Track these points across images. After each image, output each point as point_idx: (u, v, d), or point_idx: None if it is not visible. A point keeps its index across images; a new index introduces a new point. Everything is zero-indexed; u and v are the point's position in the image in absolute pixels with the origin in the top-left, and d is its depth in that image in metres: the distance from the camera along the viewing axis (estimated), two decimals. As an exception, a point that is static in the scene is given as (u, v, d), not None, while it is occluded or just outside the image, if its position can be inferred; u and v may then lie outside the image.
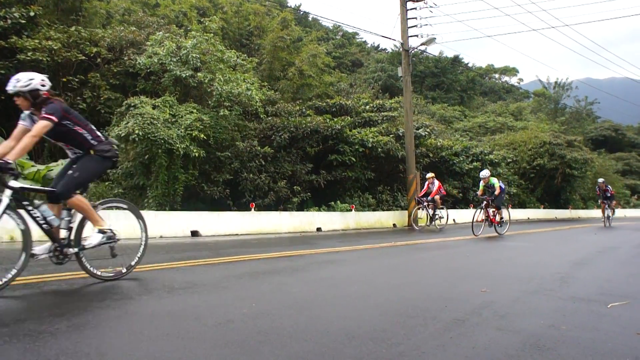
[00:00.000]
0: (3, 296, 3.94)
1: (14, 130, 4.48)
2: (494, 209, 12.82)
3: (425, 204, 15.11)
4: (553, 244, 11.06)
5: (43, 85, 4.42)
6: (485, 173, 13.12)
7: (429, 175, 15.74)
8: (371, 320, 3.52)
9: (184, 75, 13.98)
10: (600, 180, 18.33)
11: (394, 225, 17.08)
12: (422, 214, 15.48)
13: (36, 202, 4.49)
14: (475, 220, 12.60)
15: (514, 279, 5.51)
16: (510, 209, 15.05)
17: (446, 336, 3.13)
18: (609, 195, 18.10)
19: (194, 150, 12.66)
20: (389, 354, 2.74)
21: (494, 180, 12.92)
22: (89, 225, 4.80)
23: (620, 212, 37.61)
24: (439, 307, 3.94)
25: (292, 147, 15.85)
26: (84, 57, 14.65)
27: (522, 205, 29.12)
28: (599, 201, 18.41)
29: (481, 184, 13.17)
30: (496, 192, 12.63)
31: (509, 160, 28.71)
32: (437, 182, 15.42)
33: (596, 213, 35.09)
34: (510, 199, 27.17)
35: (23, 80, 4.33)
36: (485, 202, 12.69)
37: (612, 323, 3.61)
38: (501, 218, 12.92)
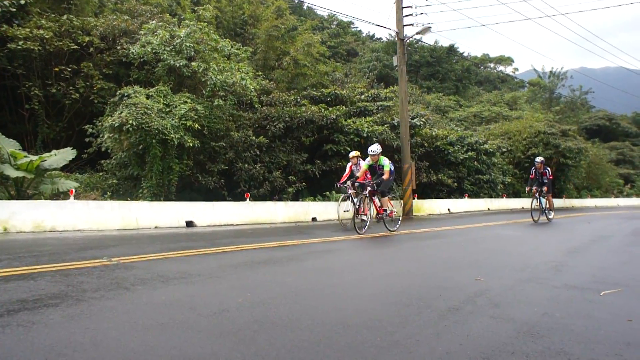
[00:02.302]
0: (-3, 287, 3.92)
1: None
2: (379, 197, 10.03)
3: (351, 192, 10.63)
4: (547, 232, 11.12)
5: None
6: (375, 148, 9.94)
7: (353, 154, 11.71)
8: (366, 309, 3.53)
9: (177, 65, 13.85)
10: (539, 159, 14.54)
11: (389, 214, 17.11)
12: (347, 206, 10.92)
13: None
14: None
15: (508, 268, 5.54)
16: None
17: (441, 324, 3.15)
18: (545, 180, 14.08)
19: (189, 141, 12.59)
20: (384, 343, 2.75)
21: (385, 161, 10.01)
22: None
23: (613, 201, 37.86)
24: (433, 296, 3.96)
25: (287, 137, 15.80)
26: (76, 47, 14.47)
27: (516, 194, 29.25)
28: (528, 187, 14.31)
29: (367, 161, 10.13)
30: (384, 176, 9.86)
31: (503, 149, 28.80)
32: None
33: (590, 202, 35.31)
34: (505, 188, 27.27)
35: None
36: (369, 189, 9.80)
37: (604, 310, 3.64)
38: (384, 210, 10.08)
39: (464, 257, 6.54)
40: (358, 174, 10.35)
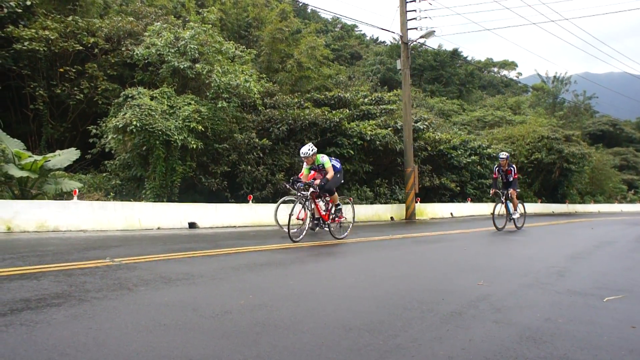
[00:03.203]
0: (0, 286, 3.93)
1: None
2: (325, 200, 8.89)
3: (300, 194, 8.53)
4: (550, 237, 11.09)
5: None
6: (305, 150, 8.55)
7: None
8: (368, 312, 3.53)
9: (182, 67, 13.90)
10: (503, 154, 12.51)
11: (392, 218, 17.10)
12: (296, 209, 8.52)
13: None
14: (285, 218, 8.27)
15: (511, 272, 5.53)
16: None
17: (443, 329, 3.14)
18: (510, 179, 12.32)
19: (192, 142, 12.62)
20: (385, 346, 2.75)
21: (324, 158, 8.76)
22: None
23: (617, 207, 37.72)
24: (436, 300, 3.95)
25: (290, 140, 15.81)
26: (81, 48, 14.55)
27: (519, 199, 29.16)
28: (493, 190, 12.36)
29: (304, 166, 8.94)
30: (328, 175, 8.62)
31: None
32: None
33: (593, 207, 35.15)
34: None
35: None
36: (311, 189, 8.36)
37: (607, 316, 3.62)
38: (330, 215, 8.88)
39: (466, 261, 6.53)
40: (301, 177, 9.04)
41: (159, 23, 15.53)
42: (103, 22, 15.79)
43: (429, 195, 20.92)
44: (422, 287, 4.62)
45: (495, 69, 69.27)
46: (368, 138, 16.57)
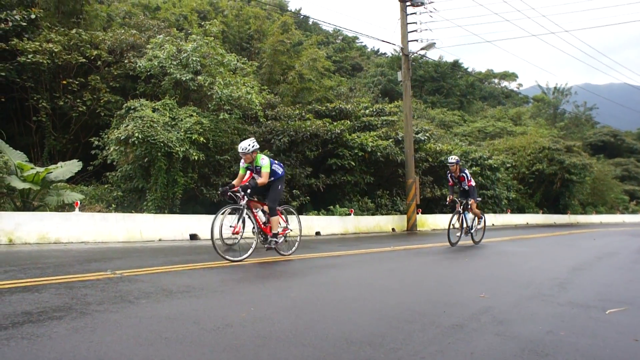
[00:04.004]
0: (1, 299, 3.93)
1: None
2: (263, 209, 7.46)
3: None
4: (552, 249, 11.06)
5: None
6: (245, 145, 7.14)
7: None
8: (370, 324, 3.52)
9: (184, 79, 14.00)
10: (452, 159, 10.91)
11: (393, 229, 17.07)
12: (231, 220, 7.10)
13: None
14: (218, 230, 7.07)
15: (513, 284, 5.51)
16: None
17: (445, 341, 3.13)
18: (466, 187, 10.79)
19: (194, 154, 12.66)
20: (387, 359, 2.74)
21: (264, 160, 7.20)
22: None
23: (619, 218, 37.62)
24: (437, 312, 3.94)
25: (291, 151, 15.85)
26: (84, 60, 14.66)
27: (520, 210, 29.14)
28: (450, 197, 10.72)
29: (241, 164, 7.46)
30: (260, 179, 7.11)
31: (508, 165, 28.76)
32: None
33: (595, 218, 35.04)
34: (509, 203, 27.16)
35: None
36: (246, 198, 6.97)
37: (610, 329, 3.61)
38: (272, 230, 7.36)
39: (468, 273, 6.51)
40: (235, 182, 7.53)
41: (161, 36, 15.67)
42: (106, 35, 15.93)
43: (430, 206, 20.90)
44: (423, 299, 4.60)
45: (496, 80, 69.48)
46: (369, 149, 16.61)
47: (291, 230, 7.89)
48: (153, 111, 12.82)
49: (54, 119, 14.95)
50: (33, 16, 14.44)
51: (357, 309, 4.03)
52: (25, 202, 10.64)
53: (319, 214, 15.24)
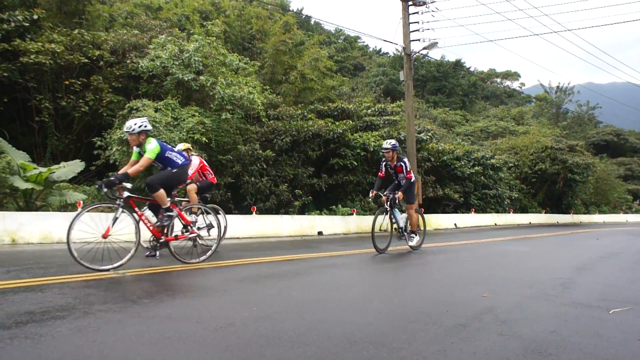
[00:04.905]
0: (4, 299, 3.94)
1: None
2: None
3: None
4: (554, 248, 11.03)
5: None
6: (130, 124, 6.04)
7: (181, 146, 8.59)
8: (372, 324, 3.52)
9: (186, 79, 14.01)
10: (386, 144, 8.74)
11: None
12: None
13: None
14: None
15: (516, 284, 5.50)
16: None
17: (447, 341, 3.13)
18: (402, 180, 8.84)
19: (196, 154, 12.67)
20: (390, 359, 2.74)
21: (152, 145, 6.04)
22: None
23: (622, 218, 37.49)
24: (440, 312, 3.93)
25: (293, 151, 15.86)
26: (86, 60, 14.68)
27: (523, 209, 29.09)
28: (373, 192, 8.71)
29: (134, 150, 6.24)
30: (137, 164, 6.04)
31: (510, 164, 28.72)
32: (198, 160, 8.54)
33: (598, 218, 34.94)
34: (512, 203, 27.12)
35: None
36: (127, 195, 5.86)
37: (614, 329, 3.60)
38: (164, 220, 6.28)
39: (470, 272, 6.50)
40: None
41: (163, 36, 15.68)
42: (108, 35, 15.94)
43: (432, 206, 20.88)
44: (426, 298, 4.60)
45: (498, 80, 69.45)
46: (371, 149, 16.60)
47: (209, 235, 7.04)
48: (155, 111, 12.83)
49: (57, 119, 14.97)
50: (35, 17, 14.46)
51: (360, 309, 4.03)
52: (28, 202, 10.66)
53: (321, 214, 15.24)
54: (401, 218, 8.83)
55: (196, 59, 14.28)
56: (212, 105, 14.32)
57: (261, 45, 24.60)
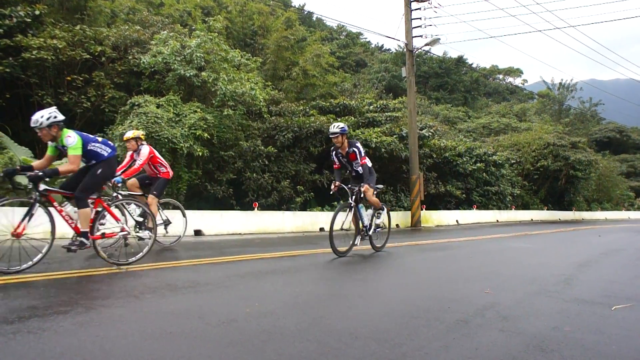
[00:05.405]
0: (7, 294, 3.96)
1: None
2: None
3: (115, 194, 6.84)
4: (556, 245, 11.02)
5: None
6: (39, 117, 5.33)
7: (130, 134, 7.88)
8: (374, 320, 3.52)
9: (188, 75, 14.00)
10: (334, 128, 7.57)
11: (397, 225, 17.05)
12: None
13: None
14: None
15: (518, 280, 5.50)
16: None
17: (449, 337, 3.13)
18: (359, 170, 7.90)
19: (198, 150, 12.68)
20: (392, 355, 2.74)
21: (70, 140, 5.54)
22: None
23: (624, 214, 37.43)
24: (442, 308, 3.93)
25: (295, 147, 15.85)
26: (88, 56, 14.67)
27: (525, 206, 29.04)
28: (335, 185, 7.67)
29: (50, 144, 5.73)
30: (67, 167, 5.52)
31: (512, 161, 28.65)
32: (147, 150, 7.72)
33: (600, 215, 34.87)
34: (514, 200, 27.08)
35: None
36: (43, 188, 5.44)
37: (616, 325, 3.59)
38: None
39: (472, 269, 6.50)
40: (138, 163, 7.26)
41: (165, 32, 15.66)
42: (110, 31, 15.92)
43: (434, 202, 20.86)
44: (428, 295, 4.60)
45: (501, 76, 69.23)
46: (373, 145, 16.57)
47: (148, 233, 6.30)
48: (157, 107, 12.83)
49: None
50: (37, 12, 14.44)
51: (362, 305, 4.03)
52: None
53: (322, 210, 15.23)
54: (366, 215, 7.72)
55: (198, 55, 14.27)
56: (214, 102, 14.31)
57: (263, 42, 24.54)
